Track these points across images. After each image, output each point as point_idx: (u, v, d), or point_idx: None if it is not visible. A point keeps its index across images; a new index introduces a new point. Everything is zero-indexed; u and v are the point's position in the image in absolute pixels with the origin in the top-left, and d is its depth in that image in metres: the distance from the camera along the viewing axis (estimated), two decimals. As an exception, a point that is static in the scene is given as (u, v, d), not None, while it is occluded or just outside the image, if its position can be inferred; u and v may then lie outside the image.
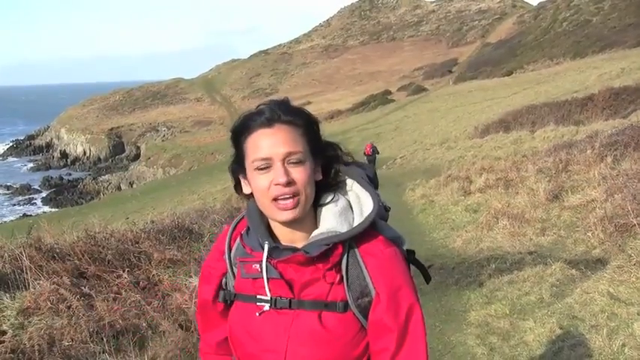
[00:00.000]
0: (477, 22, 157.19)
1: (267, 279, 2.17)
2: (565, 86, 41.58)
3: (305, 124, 2.18)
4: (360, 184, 2.26)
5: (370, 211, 2.17)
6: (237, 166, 2.25)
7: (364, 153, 31.47)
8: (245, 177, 2.22)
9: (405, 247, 2.29)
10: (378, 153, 31.81)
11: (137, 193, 53.28)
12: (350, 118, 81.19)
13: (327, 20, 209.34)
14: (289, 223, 2.18)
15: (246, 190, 2.24)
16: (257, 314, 2.21)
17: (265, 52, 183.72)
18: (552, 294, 6.98)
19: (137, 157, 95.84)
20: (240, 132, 2.21)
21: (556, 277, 7.41)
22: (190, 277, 7.70)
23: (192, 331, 6.39)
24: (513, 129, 26.24)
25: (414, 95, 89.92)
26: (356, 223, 2.17)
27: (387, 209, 2.36)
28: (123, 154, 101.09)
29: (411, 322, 2.15)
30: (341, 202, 2.22)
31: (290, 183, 2.08)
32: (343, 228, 2.15)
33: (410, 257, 2.29)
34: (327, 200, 2.23)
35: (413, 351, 2.15)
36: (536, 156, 15.03)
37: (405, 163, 30.41)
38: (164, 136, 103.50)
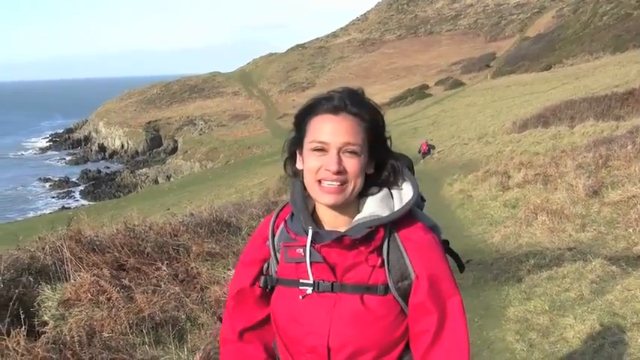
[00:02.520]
0: (515, 15, 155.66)
1: (310, 263, 2.22)
2: (605, 81, 41.07)
3: (371, 119, 2.24)
4: (405, 174, 2.33)
5: (410, 197, 2.25)
6: (297, 141, 2.33)
7: (419, 151, 32.00)
8: (301, 153, 2.29)
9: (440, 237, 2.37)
10: (434, 148, 32.44)
11: (174, 187, 53.73)
12: (387, 113, 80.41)
13: (364, 14, 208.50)
14: (333, 208, 2.26)
15: (299, 165, 2.32)
16: (300, 297, 2.27)
17: (302, 46, 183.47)
18: (592, 290, 6.91)
19: (174, 150, 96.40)
20: (306, 112, 2.29)
21: (596, 273, 7.33)
22: (229, 269, 7.72)
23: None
24: (552, 124, 25.99)
25: (451, 90, 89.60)
26: (396, 208, 2.24)
27: (423, 199, 2.45)
28: (160, 148, 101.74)
29: (451, 304, 2.23)
30: (383, 191, 2.30)
31: (340, 172, 2.16)
32: (384, 212, 2.22)
33: (445, 246, 2.36)
34: (372, 191, 2.29)
35: (454, 331, 2.22)
36: (576, 151, 14.89)
37: (442, 158, 30.32)
38: (201, 129, 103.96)
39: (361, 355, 2.23)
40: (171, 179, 75.06)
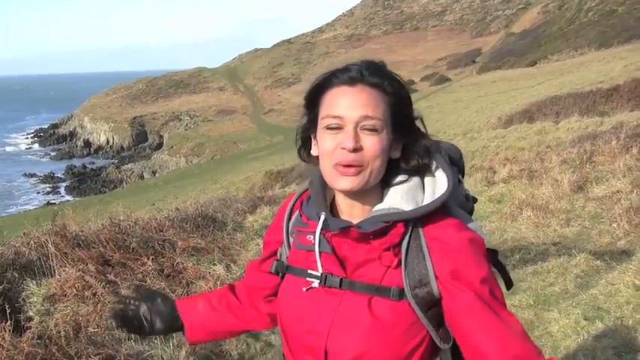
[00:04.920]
0: (501, 11, 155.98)
1: (319, 252, 2.00)
2: (590, 77, 41.22)
3: (395, 92, 1.96)
4: (438, 163, 2.01)
5: (444, 191, 1.94)
6: (310, 124, 2.06)
7: None
8: (315, 137, 2.03)
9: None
10: None
11: (160, 182, 53.63)
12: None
13: (351, 10, 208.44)
14: (351, 196, 2.00)
15: (314, 151, 2.06)
16: (304, 289, 2.05)
17: (288, 41, 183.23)
18: (577, 285, 6.94)
19: (160, 146, 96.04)
20: (320, 87, 2.05)
21: (581, 268, 7.37)
22: (214, 264, 7.73)
23: (217, 319, 6.41)
24: (537, 119, 26.04)
25: (437, 85, 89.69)
26: (425, 202, 1.94)
27: (470, 199, 2.18)
28: (146, 143, 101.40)
29: (493, 298, 1.92)
30: (413, 181, 2.01)
31: (357, 150, 1.88)
32: (408, 207, 1.93)
33: (492, 257, 2.08)
34: (399, 180, 2.01)
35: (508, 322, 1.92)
36: (561, 147, 14.94)
37: (428, 154, 30.27)
38: (187, 125, 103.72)
39: None
40: (157, 174, 74.84)
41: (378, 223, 1.91)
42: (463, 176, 2.19)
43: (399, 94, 1.97)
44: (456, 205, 2.05)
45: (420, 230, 1.94)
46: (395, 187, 1.99)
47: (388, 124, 1.93)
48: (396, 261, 1.93)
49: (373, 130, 1.89)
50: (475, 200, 2.21)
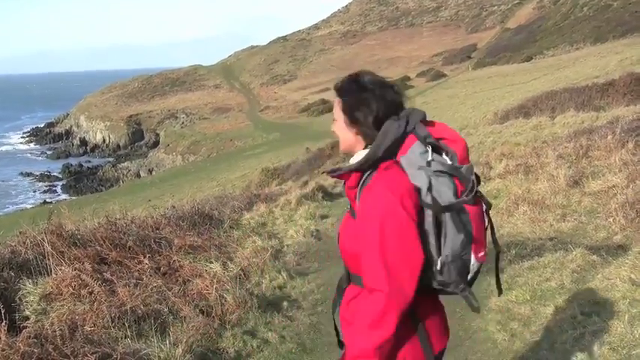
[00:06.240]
0: (496, 7, 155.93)
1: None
2: (585, 72, 41.23)
3: (345, 98, 3.01)
4: (375, 141, 2.89)
5: (359, 158, 2.89)
6: None
7: None
8: None
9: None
10: None
11: (156, 180, 53.58)
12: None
13: (346, 6, 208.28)
14: (346, 155, 3.10)
15: None
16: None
17: (284, 38, 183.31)
18: (573, 280, 6.94)
19: (156, 144, 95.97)
20: None
21: (577, 263, 7.37)
22: (210, 262, 7.73)
23: (213, 317, 6.42)
24: (533, 115, 26.01)
25: (433, 81, 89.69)
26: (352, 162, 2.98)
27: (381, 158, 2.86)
28: (142, 142, 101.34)
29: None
30: (365, 150, 2.96)
31: (334, 132, 3.12)
32: (351, 163, 2.93)
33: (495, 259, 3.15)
34: (363, 149, 2.98)
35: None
36: (557, 142, 14.92)
37: (424, 150, 30.22)
38: (183, 123, 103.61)
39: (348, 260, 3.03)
40: (154, 173, 74.82)
41: (342, 171, 2.95)
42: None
43: (346, 99, 3.00)
44: (409, 165, 2.79)
45: (369, 180, 2.83)
46: (359, 152, 2.98)
47: (341, 117, 3.03)
48: (354, 196, 2.92)
49: (334, 121, 3.11)
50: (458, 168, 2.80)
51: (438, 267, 2.74)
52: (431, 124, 2.87)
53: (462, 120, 36.38)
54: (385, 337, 2.62)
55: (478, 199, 2.80)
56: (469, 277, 2.91)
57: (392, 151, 2.78)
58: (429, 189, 2.68)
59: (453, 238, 2.71)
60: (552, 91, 31.04)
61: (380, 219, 2.67)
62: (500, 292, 3.14)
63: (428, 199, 2.68)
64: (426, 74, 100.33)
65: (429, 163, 2.71)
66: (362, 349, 2.65)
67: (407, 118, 2.83)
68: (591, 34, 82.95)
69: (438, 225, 2.72)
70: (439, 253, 2.73)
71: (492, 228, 3.00)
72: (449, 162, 2.74)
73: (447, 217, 2.69)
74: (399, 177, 2.73)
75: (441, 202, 2.68)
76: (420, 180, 2.70)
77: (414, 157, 2.75)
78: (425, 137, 2.76)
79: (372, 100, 2.88)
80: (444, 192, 2.70)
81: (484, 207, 2.86)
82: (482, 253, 2.84)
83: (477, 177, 2.81)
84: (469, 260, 2.80)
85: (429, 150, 2.74)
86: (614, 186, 9.89)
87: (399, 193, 2.67)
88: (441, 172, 2.71)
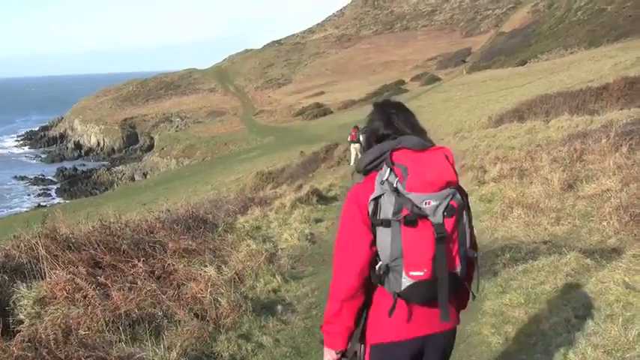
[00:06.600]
0: (490, 11, 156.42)
1: None
2: (579, 75, 41.30)
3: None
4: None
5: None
6: None
7: (349, 139, 28.06)
8: None
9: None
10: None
11: (151, 184, 53.50)
12: (363, 108, 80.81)
13: (341, 10, 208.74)
14: None
15: None
16: None
17: (279, 42, 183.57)
18: (567, 283, 6.96)
19: (151, 147, 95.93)
20: None
21: (571, 266, 7.38)
22: (205, 266, 7.72)
23: (208, 320, 6.42)
24: (527, 119, 26.02)
25: (427, 85, 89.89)
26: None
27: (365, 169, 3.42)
28: (136, 145, 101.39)
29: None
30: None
31: None
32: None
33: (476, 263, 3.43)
34: None
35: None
36: (551, 145, 14.96)
37: (419, 153, 30.16)
38: (177, 126, 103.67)
39: None
40: (148, 176, 74.67)
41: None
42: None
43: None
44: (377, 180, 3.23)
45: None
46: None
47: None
48: None
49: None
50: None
51: (376, 268, 3.19)
52: (421, 150, 3.23)
53: (456, 124, 36.42)
54: (333, 310, 3.29)
55: (426, 223, 3.08)
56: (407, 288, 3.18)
57: (375, 166, 3.34)
58: (376, 201, 3.16)
59: (383, 248, 3.14)
60: (547, 95, 31.09)
61: (341, 218, 3.34)
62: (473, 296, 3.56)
63: (370, 209, 3.18)
64: (421, 78, 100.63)
65: (382, 182, 3.16)
66: (325, 316, 3.37)
67: (398, 143, 3.30)
68: (585, 38, 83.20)
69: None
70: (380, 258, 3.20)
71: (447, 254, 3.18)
72: (394, 185, 3.11)
73: (380, 229, 3.13)
74: (367, 187, 3.26)
75: (380, 215, 3.14)
76: (375, 193, 3.17)
77: (381, 174, 3.22)
78: (391, 161, 3.19)
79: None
80: (387, 208, 3.10)
81: (435, 235, 3.09)
82: (415, 273, 3.10)
83: (451, 206, 3.14)
84: (400, 273, 3.11)
85: (387, 171, 3.17)
86: (608, 189, 9.90)
87: (355, 199, 3.29)
88: (391, 191, 3.13)
